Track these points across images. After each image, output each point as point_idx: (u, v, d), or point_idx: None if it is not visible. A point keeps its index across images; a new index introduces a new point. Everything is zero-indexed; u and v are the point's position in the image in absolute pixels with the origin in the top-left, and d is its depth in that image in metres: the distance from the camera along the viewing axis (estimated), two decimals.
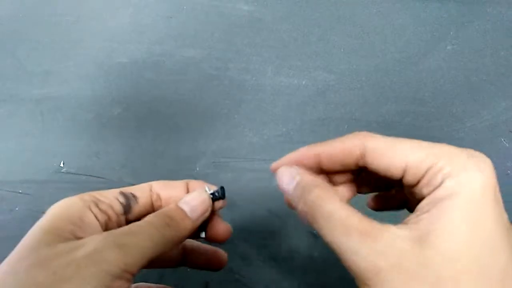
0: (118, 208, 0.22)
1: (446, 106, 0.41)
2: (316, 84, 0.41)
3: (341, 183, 0.25)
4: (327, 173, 0.25)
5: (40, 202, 0.36)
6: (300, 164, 0.24)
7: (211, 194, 0.25)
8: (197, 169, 0.38)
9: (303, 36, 0.43)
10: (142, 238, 0.20)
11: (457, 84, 0.42)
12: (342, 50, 0.43)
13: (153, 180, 0.37)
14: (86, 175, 0.37)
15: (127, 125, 0.39)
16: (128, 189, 0.24)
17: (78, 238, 0.19)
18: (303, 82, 0.41)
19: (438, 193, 0.18)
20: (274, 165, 0.25)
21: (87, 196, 0.21)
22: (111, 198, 0.22)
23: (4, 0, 0.42)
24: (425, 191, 0.19)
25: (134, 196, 0.24)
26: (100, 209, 0.21)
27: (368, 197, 0.27)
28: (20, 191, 0.36)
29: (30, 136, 0.38)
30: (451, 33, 0.44)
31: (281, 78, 0.41)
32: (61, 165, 0.37)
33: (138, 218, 0.23)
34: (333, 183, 0.25)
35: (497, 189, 0.19)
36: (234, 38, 0.42)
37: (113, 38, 0.41)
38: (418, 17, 0.44)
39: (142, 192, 0.24)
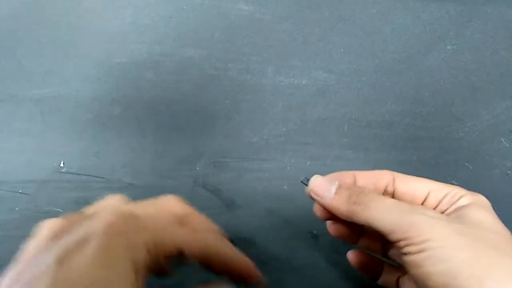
0: (168, 260, 0.20)
1: (446, 106, 0.41)
2: (316, 84, 0.41)
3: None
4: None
5: (40, 202, 0.36)
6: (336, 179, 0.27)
7: None
8: (197, 169, 0.38)
9: (303, 36, 0.43)
10: None
11: (457, 84, 0.42)
12: (342, 50, 0.43)
13: (153, 179, 0.37)
14: (86, 175, 0.37)
15: (127, 125, 0.39)
16: (188, 248, 0.21)
17: None
18: (303, 82, 0.41)
19: (457, 204, 0.23)
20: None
21: (152, 247, 0.19)
22: (167, 256, 0.20)
23: (4, 0, 0.42)
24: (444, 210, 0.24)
25: (183, 258, 0.21)
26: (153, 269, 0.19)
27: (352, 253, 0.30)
28: (20, 191, 0.36)
29: (30, 136, 0.38)
30: (451, 33, 0.44)
31: (281, 78, 0.41)
32: (61, 165, 0.37)
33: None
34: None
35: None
36: (234, 38, 0.42)
37: (113, 38, 0.41)
38: (418, 17, 0.44)
39: (195, 255, 0.22)
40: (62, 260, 0.17)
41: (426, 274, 0.19)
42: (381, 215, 0.22)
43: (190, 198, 0.37)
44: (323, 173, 0.38)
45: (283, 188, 0.38)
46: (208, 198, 0.37)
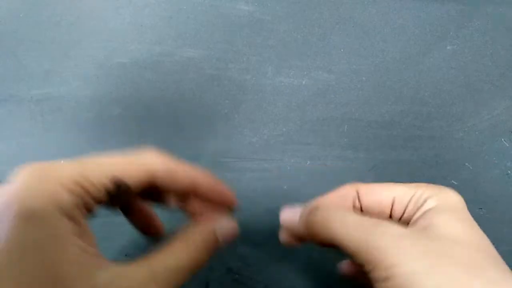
0: (101, 199, 0.19)
1: (446, 106, 0.41)
2: (316, 84, 0.41)
3: None
4: None
5: None
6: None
7: None
8: None
9: (303, 36, 0.43)
10: (183, 272, 0.19)
11: (457, 84, 0.42)
12: (342, 50, 0.43)
13: None
14: None
15: (127, 125, 0.39)
16: (125, 169, 0.20)
17: (88, 245, 0.17)
18: (303, 82, 0.41)
19: (423, 208, 0.21)
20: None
21: (73, 185, 0.18)
22: (99, 188, 0.19)
23: (4, 0, 0.42)
24: (411, 218, 0.22)
25: (126, 186, 0.20)
26: (85, 206, 0.18)
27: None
28: None
29: (30, 136, 0.38)
30: (451, 33, 0.44)
31: (281, 78, 0.41)
32: None
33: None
34: None
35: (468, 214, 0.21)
36: (234, 38, 0.42)
37: (113, 38, 0.41)
38: (418, 17, 0.44)
39: (137, 179, 0.20)
40: None
41: None
42: (344, 232, 0.20)
43: None
44: (323, 173, 0.38)
45: (283, 188, 0.38)
46: None
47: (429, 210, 0.21)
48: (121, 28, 0.42)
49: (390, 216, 0.23)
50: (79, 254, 0.16)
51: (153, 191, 0.22)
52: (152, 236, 0.25)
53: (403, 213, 0.22)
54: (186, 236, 0.21)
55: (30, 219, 0.16)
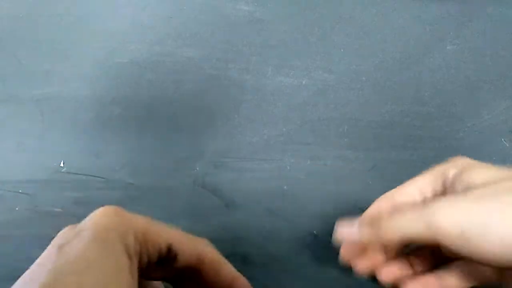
0: (152, 259, 0.20)
1: (446, 106, 0.41)
2: (316, 84, 0.41)
3: None
4: None
5: (40, 202, 0.36)
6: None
7: None
8: (197, 169, 0.38)
9: (303, 36, 0.43)
10: None
11: (457, 84, 0.42)
12: (342, 50, 0.43)
13: (153, 179, 0.37)
14: (86, 175, 0.37)
15: (127, 125, 0.39)
16: (177, 242, 0.21)
17: None
18: (303, 82, 0.41)
19: (449, 180, 0.26)
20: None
21: (140, 236, 0.19)
22: (156, 248, 0.20)
23: (4, 0, 0.42)
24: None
25: (175, 257, 0.21)
26: (141, 255, 0.19)
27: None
28: (20, 191, 0.36)
29: (30, 136, 0.38)
30: (451, 33, 0.44)
31: (281, 78, 0.41)
32: (61, 165, 0.37)
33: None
34: None
35: None
36: (234, 38, 0.42)
37: (113, 38, 0.41)
38: (418, 17, 0.44)
39: (187, 256, 0.21)
40: (61, 247, 0.18)
41: (481, 250, 0.20)
42: (406, 223, 0.23)
43: (190, 198, 0.37)
44: (323, 173, 0.38)
45: (283, 188, 0.38)
46: (208, 198, 0.37)
47: (456, 176, 0.24)
48: (121, 28, 0.42)
49: None
50: (126, 285, 0.18)
51: (195, 278, 0.23)
52: None
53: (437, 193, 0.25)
54: None
55: (98, 243, 0.18)
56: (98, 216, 0.19)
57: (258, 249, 0.35)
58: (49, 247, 0.19)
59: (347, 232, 0.26)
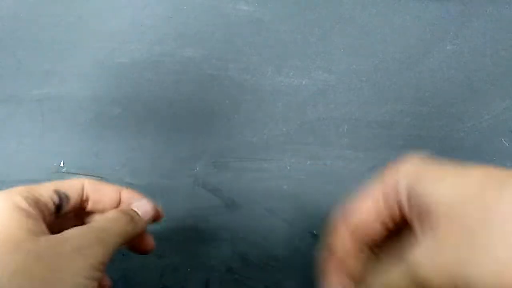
0: (52, 207, 0.23)
1: (446, 106, 0.41)
2: (316, 84, 0.41)
3: None
4: None
5: None
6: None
7: None
8: (197, 169, 0.38)
9: (303, 36, 0.43)
10: (114, 234, 0.22)
11: (457, 84, 0.42)
12: (342, 50, 0.43)
13: (153, 179, 0.37)
14: (86, 175, 0.37)
15: (127, 125, 0.39)
16: (61, 186, 0.24)
17: (43, 232, 0.21)
18: (303, 82, 0.41)
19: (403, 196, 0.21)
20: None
21: (25, 193, 0.22)
22: (46, 197, 0.23)
23: (4, 0, 0.42)
24: None
25: (67, 197, 0.24)
26: (38, 208, 0.22)
27: None
28: None
29: (30, 136, 0.38)
30: (451, 33, 0.44)
31: (281, 78, 0.41)
32: (61, 165, 0.37)
33: (63, 216, 0.24)
34: None
35: None
36: (234, 38, 0.42)
37: (113, 38, 0.41)
38: (418, 17, 0.44)
39: (74, 191, 0.25)
40: None
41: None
42: None
43: (190, 198, 0.37)
44: (323, 173, 0.38)
45: (283, 188, 0.38)
46: (208, 198, 0.37)
47: (410, 191, 0.20)
48: (121, 28, 0.42)
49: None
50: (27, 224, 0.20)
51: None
52: (141, 253, 0.28)
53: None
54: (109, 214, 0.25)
55: None
56: None
57: (258, 249, 0.35)
58: (31, 258, 0.20)
59: None
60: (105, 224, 0.23)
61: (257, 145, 0.39)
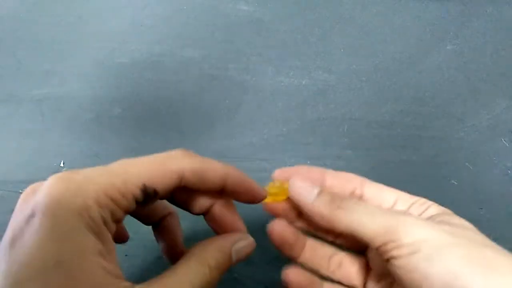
0: (130, 208, 0.18)
1: (446, 106, 0.41)
2: (316, 84, 0.41)
3: None
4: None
5: None
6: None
7: None
8: None
9: (303, 36, 0.43)
10: None
11: (457, 84, 0.42)
12: (342, 50, 0.43)
13: None
14: None
15: (127, 125, 0.39)
16: (153, 179, 0.19)
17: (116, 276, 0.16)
18: (303, 82, 0.41)
19: (428, 212, 0.23)
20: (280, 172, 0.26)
21: (104, 198, 0.17)
22: (130, 199, 0.18)
23: (4, 0, 0.42)
24: None
25: (155, 192, 0.19)
26: (114, 219, 0.18)
27: None
28: (20, 191, 0.36)
29: (30, 136, 0.38)
30: (451, 33, 0.44)
31: (281, 78, 0.41)
32: (61, 165, 0.37)
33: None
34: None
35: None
36: (234, 38, 0.42)
37: (113, 38, 0.41)
38: (418, 17, 0.44)
39: (166, 183, 0.19)
40: (13, 242, 0.16)
41: (422, 276, 0.19)
42: (366, 219, 0.21)
43: None
44: None
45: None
46: None
47: (435, 215, 0.22)
48: (121, 28, 0.42)
49: None
50: (102, 276, 0.16)
51: (182, 194, 0.22)
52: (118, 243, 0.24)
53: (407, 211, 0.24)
54: (202, 255, 0.20)
55: (55, 233, 0.15)
56: (49, 190, 0.17)
57: (258, 249, 0.35)
58: (3, 241, 0.16)
59: (302, 188, 0.24)
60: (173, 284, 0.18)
61: (257, 145, 0.39)
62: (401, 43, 0.43)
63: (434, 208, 0.23)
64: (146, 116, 0.39)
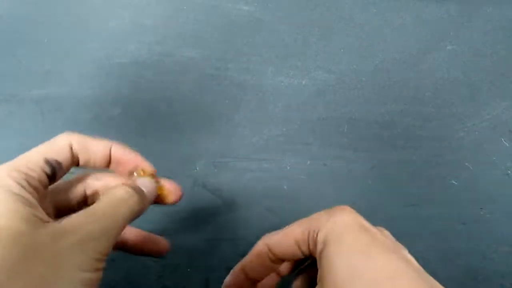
0: (45, 181, 0.22)
1: (446, 106, 0.41)
2: (316, 84, 0.41)
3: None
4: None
5: None
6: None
7: None
8: (197, 169, 0.38)
9: (303, 36, 0.43)
10: (122, 219, 0.21)
11: (457, 84, 0.42)
12: (342, 50, 0.43)
13: None
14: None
15: (127, 125, 0.39)
16: (49, 152, 0.23)
17: (42, 220, 0.19)
18: (303, 82, 0.41)
19: (318, 245, 0.22)
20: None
21: (15, 173, 0.21)
22: (38, 172, 0.22)
23: (4, 0, 0.42)
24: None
25: (59, 163, 0.23)
26: (32, 187, 0.21)
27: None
28: None
29: (30, 136, 0.38)
30: (451, 33, 0.44)
31: (281, 78, 0.41)
32: None
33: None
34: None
35: (360, 220, 0.23)
36: (234, 38, 0.42)
37: (113, 38, 0.41)
38: (418, 17, 0.44)
39: (64, 154, 0.24)
40: None
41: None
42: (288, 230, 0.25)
43: (190, 198, 0.37)
44: (323, 173, 0.38)
45: (283, 188, 0.38)
46: (208, 198, 0.37)
47: (322, 244, 0.22)
48: (121, 28, 0.42)
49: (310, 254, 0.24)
50: (21, 219, 0.19)
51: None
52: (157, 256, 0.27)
53: (310, 251, 0.23)
54: (108, 197, 0.22)
55: None
56: None
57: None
58: (31, 257, 0.18)
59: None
60: (111, 209, 0.21)
61: (257, 145, 0.39)
62: (401, 43, 0.43)
63: (321, 235, 0.22)
64: (146, 116, 0.39)
